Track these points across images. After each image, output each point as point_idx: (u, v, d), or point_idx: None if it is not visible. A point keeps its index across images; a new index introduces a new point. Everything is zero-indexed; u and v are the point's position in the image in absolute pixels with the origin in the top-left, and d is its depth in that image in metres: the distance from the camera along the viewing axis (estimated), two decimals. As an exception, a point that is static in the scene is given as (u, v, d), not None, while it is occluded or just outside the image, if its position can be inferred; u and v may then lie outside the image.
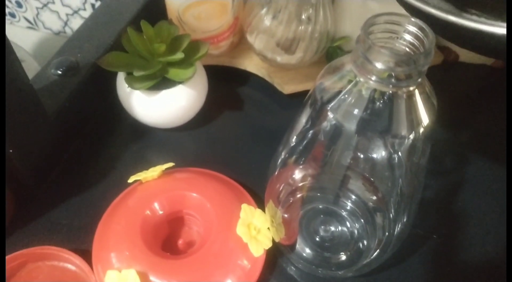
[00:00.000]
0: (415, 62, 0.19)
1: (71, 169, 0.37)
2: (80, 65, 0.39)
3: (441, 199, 0.37)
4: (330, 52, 0.43)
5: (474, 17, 0.22)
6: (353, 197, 0.32)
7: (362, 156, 0.26)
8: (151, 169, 0.34)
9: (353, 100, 0.21)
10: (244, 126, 0.43)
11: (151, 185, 0.33)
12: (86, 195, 0.36)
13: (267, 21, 0.40)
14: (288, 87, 0.43)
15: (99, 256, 0.30)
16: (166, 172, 0.34)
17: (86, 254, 0.30)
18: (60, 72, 0.38)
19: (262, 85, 0.45)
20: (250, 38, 0.42)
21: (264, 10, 0.40)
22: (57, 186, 0.36)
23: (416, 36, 0.20)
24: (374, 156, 0.26)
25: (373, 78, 0.20)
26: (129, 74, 0.36)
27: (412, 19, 0.20)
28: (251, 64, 0.44)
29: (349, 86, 0.21)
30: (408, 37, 0.21)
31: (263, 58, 0.43)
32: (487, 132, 0.43)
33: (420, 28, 0.20)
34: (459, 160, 0.41)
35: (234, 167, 0.38)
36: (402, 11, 0.24)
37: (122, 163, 0.38)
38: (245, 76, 0.46)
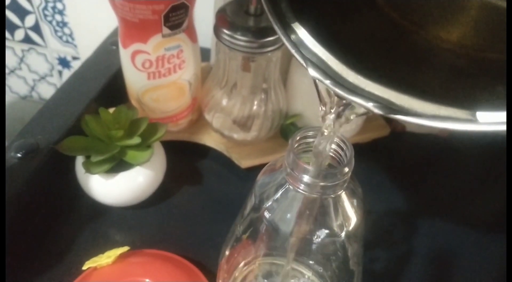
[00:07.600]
0: (339, 174, 0.21)
1: (25, 253, 0.37)
2: (40, 147, 0.40)
3: (390, 271, 0.39)
4: (284, 128, 0.45)
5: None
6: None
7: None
8: (106, 254, 0.34)
9: (286, 204, 0.23)
10: (204, 199, 0.44)
11: (106, 272, 0.33)
12: (39, 281, 0.35)
13: (223, 102, 0.42)
14: (245, 162, 0.45)
15: None
16: (121, 256, 0.34)
17: None
18: (20, 155, 0.39)
19: (222, 158, 0.46)
20: (208, 117, 0.44)
21: (220, 92, 0.42)
22: (10, 271, 0.36)
23: (338, 146, 0.23)
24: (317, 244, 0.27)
25: (301, 186, 0.22)
26: (87, 158, 0.37)
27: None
28: (210, 140, 0.46)
29: (281, 191, 0.23)
30: (332, 146, 0.23)
31: (220, 135, 0.45)
32: (435, 201, 0.46)
33: (341, 140, 0.22)
34: (408, 229, 0.43)
35: (192, 245, 0.39)
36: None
37: (79, 244, 0.38)
38: (205, 149, 0.47)
